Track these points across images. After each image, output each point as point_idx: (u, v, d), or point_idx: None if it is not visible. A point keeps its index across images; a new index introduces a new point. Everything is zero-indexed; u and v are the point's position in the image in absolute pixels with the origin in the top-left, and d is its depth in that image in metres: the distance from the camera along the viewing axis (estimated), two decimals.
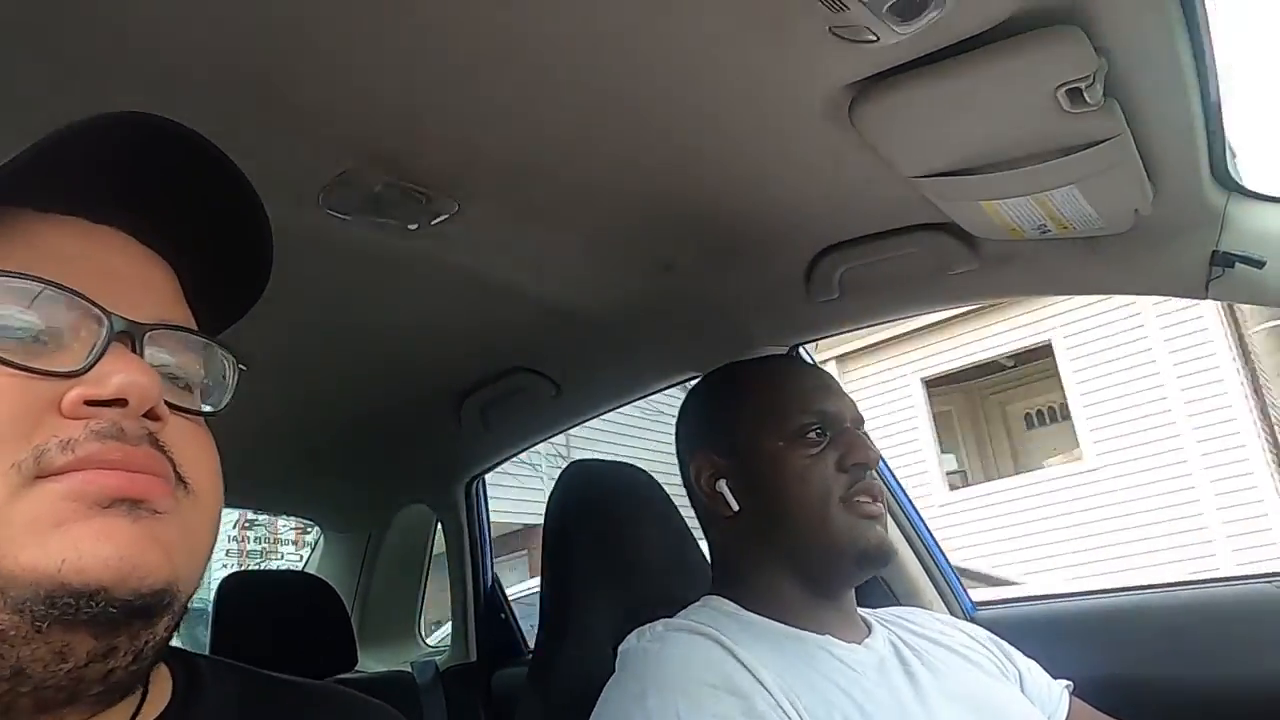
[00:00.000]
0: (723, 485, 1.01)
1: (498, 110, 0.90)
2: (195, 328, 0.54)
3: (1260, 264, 1.08)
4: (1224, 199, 1.09)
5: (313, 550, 2.70)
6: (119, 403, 0.44)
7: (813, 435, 0.99)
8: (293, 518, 5.88)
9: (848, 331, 1.54)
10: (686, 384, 1.69)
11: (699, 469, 1.04)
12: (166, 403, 0.47)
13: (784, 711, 0.81)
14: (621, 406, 1.84)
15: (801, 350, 1.58)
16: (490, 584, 2.28)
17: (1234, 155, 1.05)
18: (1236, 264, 1.09)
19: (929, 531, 1.57)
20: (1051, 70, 0.81)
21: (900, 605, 1.44)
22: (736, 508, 1.00)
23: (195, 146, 0.53)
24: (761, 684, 0.83)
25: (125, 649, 0.44)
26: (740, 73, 0.86)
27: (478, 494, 2.29)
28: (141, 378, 0.45)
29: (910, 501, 1.59)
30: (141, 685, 0.50)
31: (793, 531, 0.96)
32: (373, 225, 1.07)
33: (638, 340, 1.54)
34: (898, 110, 0.89)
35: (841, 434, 1.00)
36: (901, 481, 1.60)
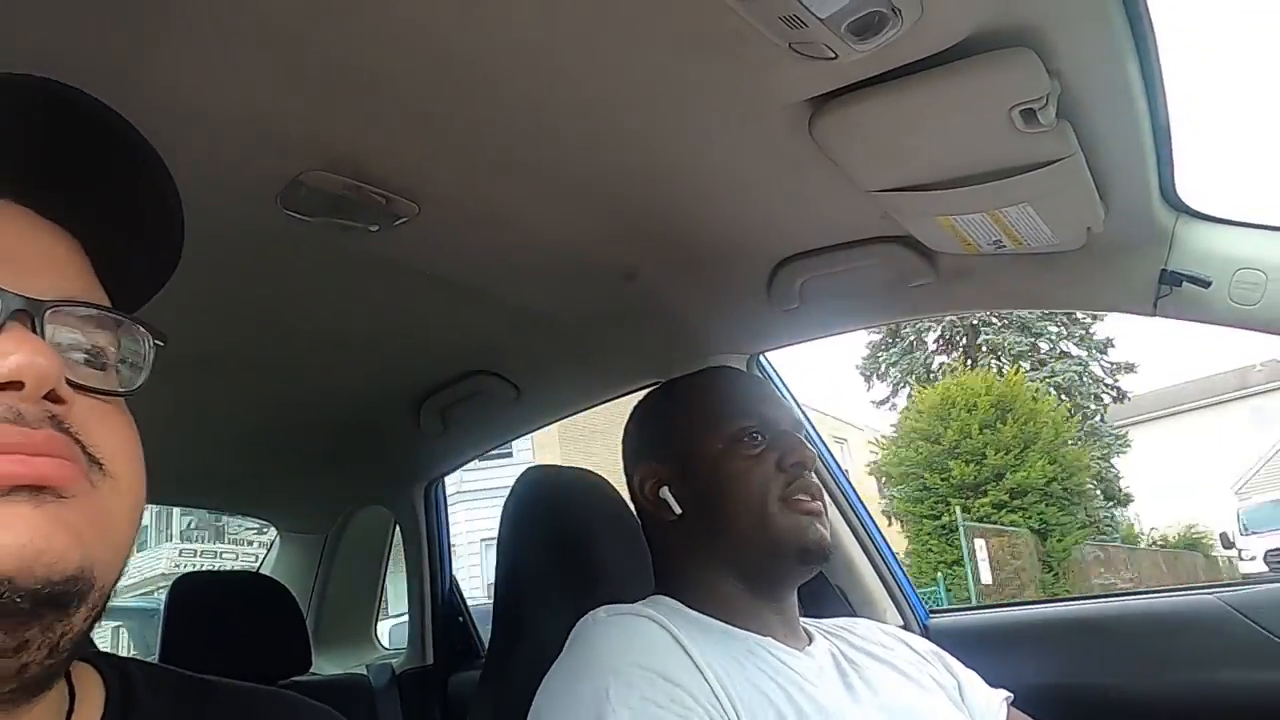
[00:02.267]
0: (665, 492, 1.02)
1: (458, 115, 0.90)
2: (106, 304, 0.50)
3: (1206, 283, 1.10)
4: (1173, 219, 1.11)
5: (268, 551, 2.66)
6: (15, 385, 0.41)
7: (750, 439, 1.01)
8: (248, 518, 5.81)
9: (808, 341, 1.55)
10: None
11: (642, 478, 1.05)
12: (76, 384, 0.45)
13: (718, 700, 0.82)
14: (583, 411, 1.84)
15: (762, 358, 1.59)
16: (448, 587, 2.26)
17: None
18: (1184, 283, 1.12)
19: (885, 542, 1.59)
20: (1006, 91, 0.83)
21: (856, 615, 1.45)
22: (679, 512, 1.01)
23: (98, 117, 0.50)
24: (699, 669, 0.84)
25: (38, 642, 0.41)
26: (702, 86, 0.86)
27: (437, 496, 2.28)
28: (39, 358, 0.42)
29: (867, 512, 1.61)
30: (64, 684, 0.48)
31: (734, 531, 0.98)
32: (333, 227, 1.06)
33: (600, 346, 1.54)
34: (857, 125, 0.90)
35: (779, 437, 1.02)
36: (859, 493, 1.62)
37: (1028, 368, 18.53)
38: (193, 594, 1.73)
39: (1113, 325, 19.92)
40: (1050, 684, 1.16)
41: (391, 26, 0.76)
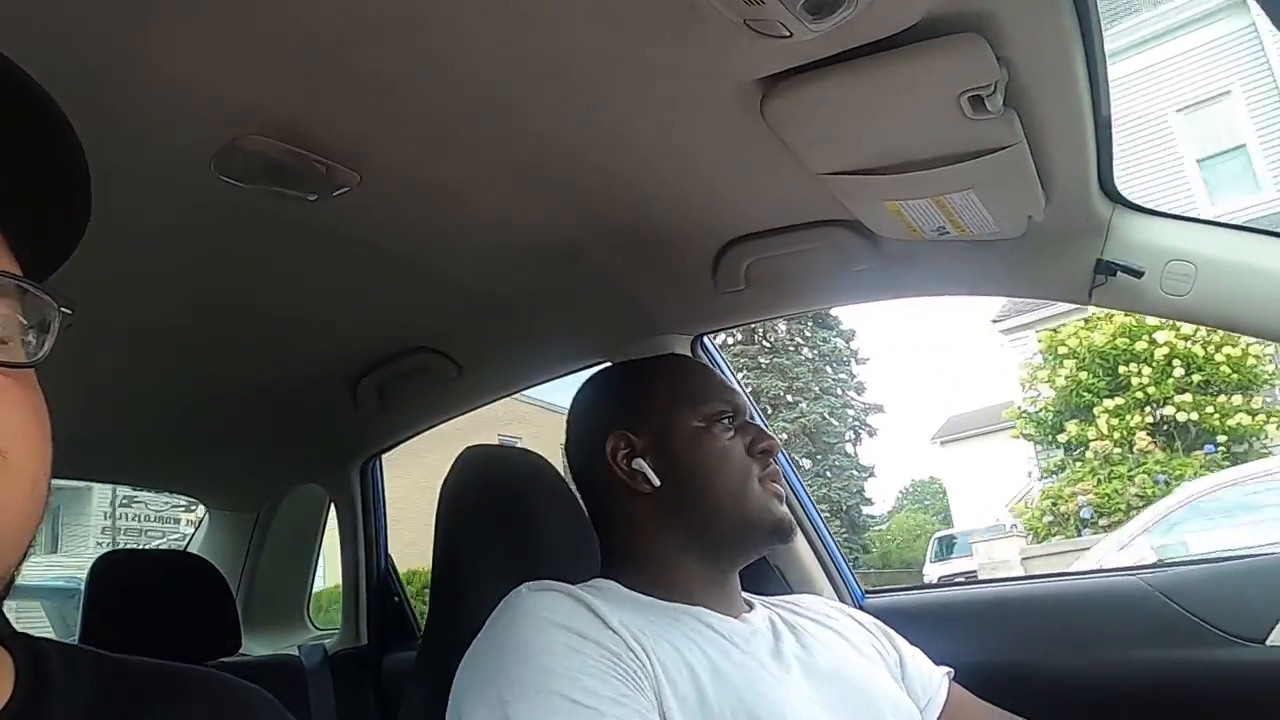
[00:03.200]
0: (641, 462, 1.03)
1: (403, 82, 0.87)
2: (10, 270, 0.47)
3: (1139, 274, 1.14)
4: (1109, 210, 1.14)
5: (196, 529, 2.59)
6: None
7: (725, 421, 1.05)
8: (176, 495, 5.65)
9: (752, 323, 1.56)
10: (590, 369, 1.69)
11: (615, 447, 1.05)
12: None
13: (629, 649, 0.84)
14: (526, 389, 1.82)
15: (705, 340, 1.59)
16: (384, 566, 2.23)
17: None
18: (1118, 272, 1.15)
19: (822, 521, 1.61)
20: (956, 77, 0.83)
21: (794, 593, 1.47)
22: (657, 483, 1.01)
23: None
24: (609, 627, 0.85)
25: None
26: (653, 61, 0.85)
27: (373, 475, 2.24)
28: None
29: (805, 491, 1.62)
30: None
31: (712, 506, 1.01)
32: (270, 194, 1.02)
33: (544, 324, 1.52)
34: (808, 107, 0.90)
35: (747, 424, 1.07)
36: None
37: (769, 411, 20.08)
38: (115, 573, 1.68)
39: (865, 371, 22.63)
40: (982, 661, 1.19)
41: None
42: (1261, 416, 9.71)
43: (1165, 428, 9.98)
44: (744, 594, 1.06)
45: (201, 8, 0.74)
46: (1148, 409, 10.02)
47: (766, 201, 1.19)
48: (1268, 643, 1.16)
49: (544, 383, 1.76)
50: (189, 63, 0.81)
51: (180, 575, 1.78)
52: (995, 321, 14.13)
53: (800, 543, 1.57)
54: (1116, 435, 10.02)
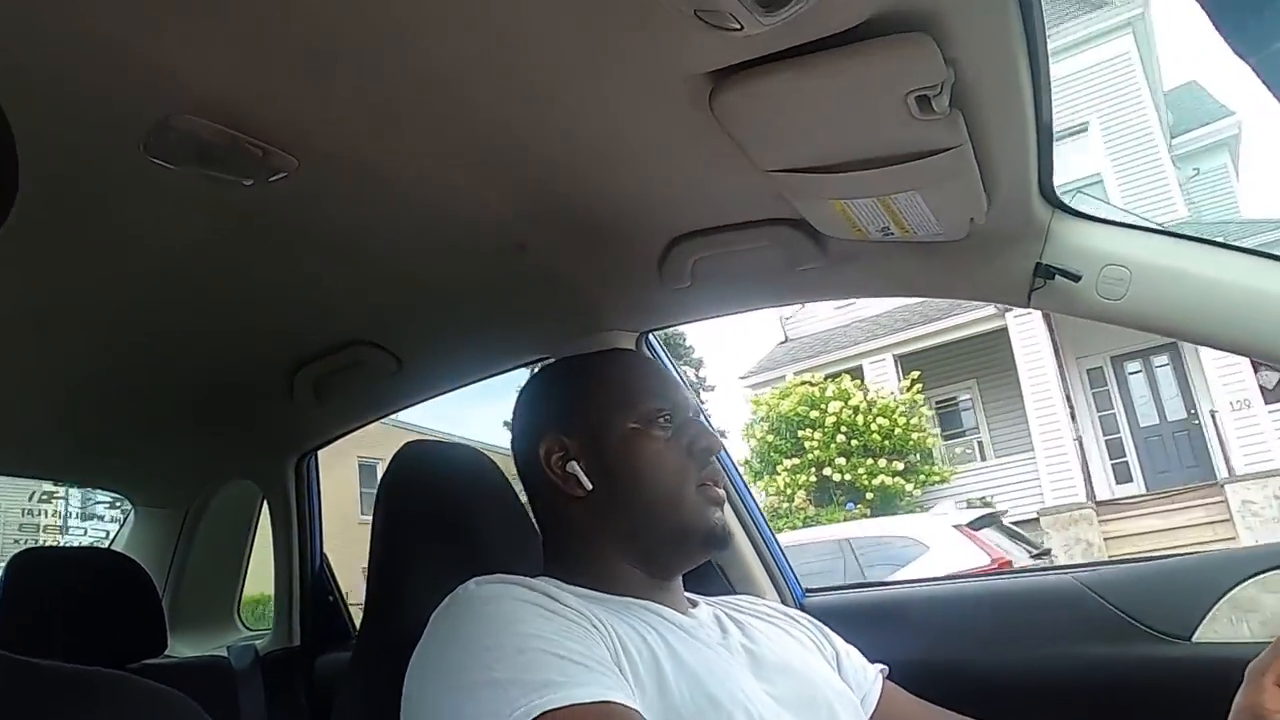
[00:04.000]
0: (574, 466, 1.00)
1: (347, 66, 0.84)
2: None
3: (1076, 278, 1.16)
4: (1049, 215, 1.16)
5: (121, 526, 2.50)
6: None
7: (663, 420, 1.01)
8: (100, 491, 5.46)
9: (699, 320, 1.56)
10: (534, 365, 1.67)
11: (549, 450, 1.03)
12: None
13: (595, 627, 0.83)
14: (467, 385, 1.79)
15: (651, 336, 1.58)
16: (319, 565, 2.18)
17: None
18: (1056, 276, 1.17)
19: (764, 519, 1.62)
20: (904, 76, 0.84)
21: (736, 592, 1.47)
22: (590, 487, 0.99)
23: None
24: (569, 607, 0.84)
25: None
26: (602, 52, 0.84)
27: (309, 471, 2.19)
28: None
29: (747, 489, 1.63)
30: None
31: (645, 512, 0.98)
32: (203, 178, 0.99)
33: (487, 318, 1.50)
34: (757, 102, 0.89)
35: (687, 422, 1.03)
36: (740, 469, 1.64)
37: None
38: (34, 571, 1.60)
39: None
40: (920, 659, 1.21)
41: None
42: (899, 479, 11.85)
43: (826, 486, 12.11)
44: (687, 593, 1.05)
45: None
46: (813, 469, 12.14)
47: (714, 198, 1.18)
48: (1194, 639, 1.19)
49: (487, 378, 1.73)
50: (120, 37, 0.77)
51: (102, 574, 1.71)
52: (742, 378, 15.23)
53: (742, 541, 1.57)
54: (789, 491, 12.09)
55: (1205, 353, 10.88)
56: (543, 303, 1.44)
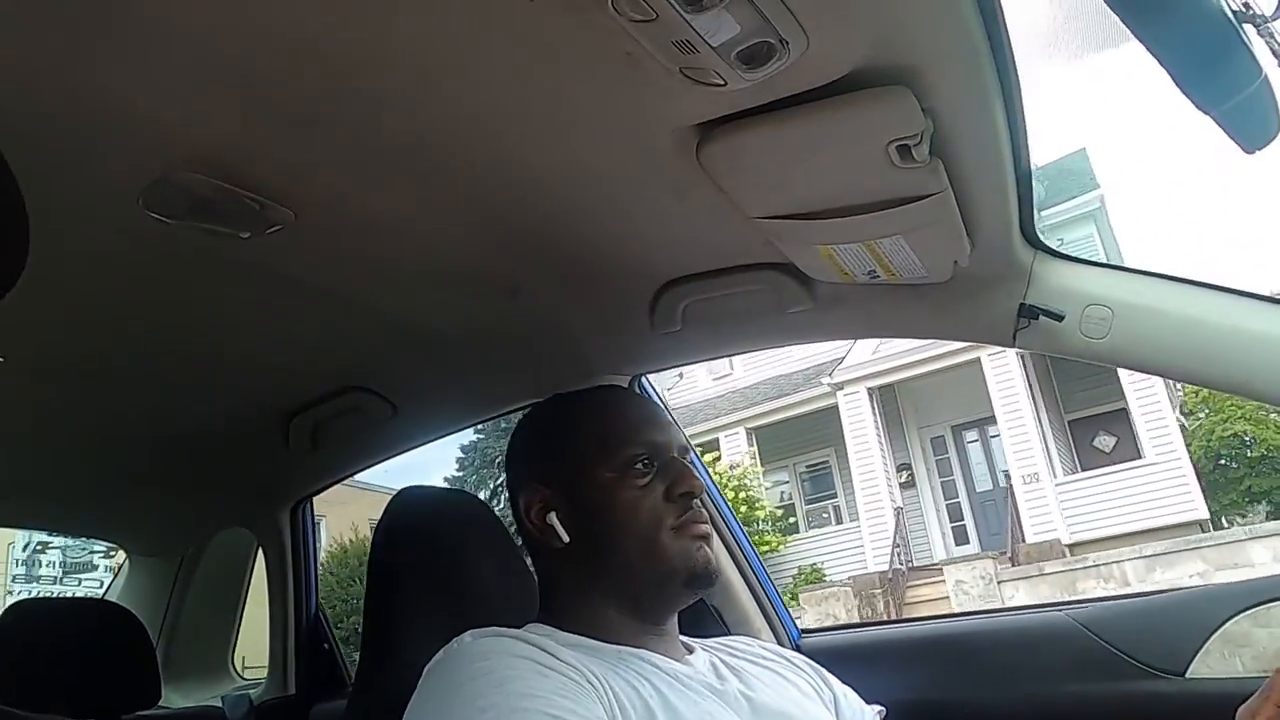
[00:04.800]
0: (553, 518, 1.00)
1: (342, 120, 0.87)
2: None
3: (1060, 317, 1.18)
4: (1031, 257, 1.18)
5: (115, 576, 2.49)
6: None
7: (640, 466, 1.00)
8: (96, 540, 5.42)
9: (689, 364, 1.57)
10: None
11: (529, 502, 1.03)
12: None
13: (589, 682, 0.82)
14: (462, 429, 1.80)
15: (643, 379, 1.60)
16: (314, 612, 2.17)
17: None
18: (1040, 316, 1.19)
19: (759, 561, 1.62)
20: (884, 127, 0.86)
21: (731, 634, 1.47)
22: (567, 539, 0.99)
23: None
24: (564, 662, 0.84)
25: None
26: (592, 106, 0.86)
27: (304, 517, 2.18)
28: None
29: (742, 531, 1.63)
30: None
31: (623, 560, 0.97)
32: (200, 231, 1.01)
33: (480, 364, 1.51)
34: (743, 153, 0.92)
35: (668, 464, 1.01)
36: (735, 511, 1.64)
37: None
38: (27, 622, 1.59)
39: None
40: (916, 699, 1.21)
41: (274, 24, 0.73)
42: None
43: None
44: (682, 638, 1.05)
45: (133, 38, 0.73)
46: None
47: (703, 244, 1.21)
48: (1187, 675, 1.20)
49: (480, 422, 1.74)
50: (119, 93, 0.79)
51: (96, 624, 1.70)
52: None
53: (737, 583, 1.57)
54: None
55: (1005, 428, 12.15)
56: (536, 348, 1.45)
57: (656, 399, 1.60)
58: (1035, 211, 1.15)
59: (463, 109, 0.86)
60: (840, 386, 13.62)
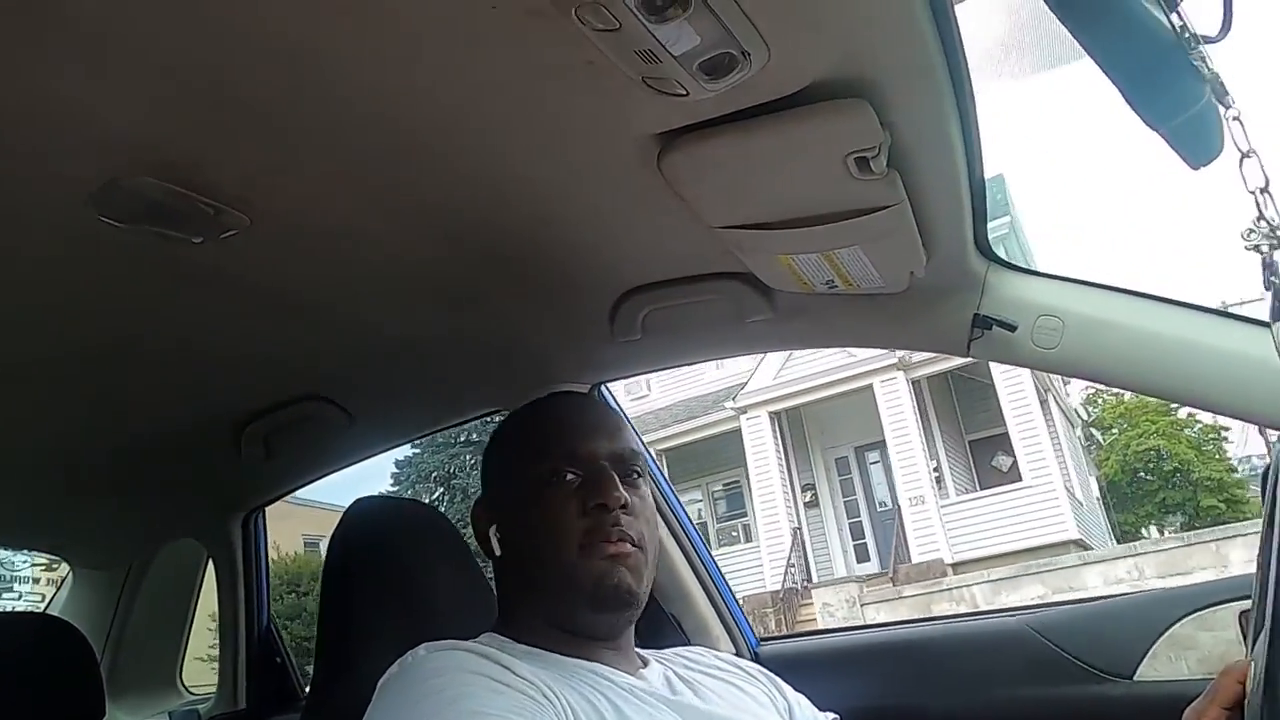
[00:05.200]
0: (493, 531, 0.99)
1: (300, 123, 0.86)
2: None
3: (1012, 327, 1.20)
4: (984, 268, 1.21)
5: (58, 589, 2.42)
6: None
7: (562, 478, 0.96)
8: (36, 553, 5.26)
9: (649, 372, 1.58)
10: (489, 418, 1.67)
11: (476, 514, 1.03)
12: None
13: (546, 697, 0.81)
14: (419, 438, 1.79)
15: (603, 388, 1.60)
16: (265, 625, 2.13)
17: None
18: (994, 326, 1.21)
19: (718, 570, 1.62)
20: (843, 139, 0.88)
21: (690, 643, 1.47)
22: (499, 553, 0.99)
23: None
24: (520, 677, 0.82)
25: None
26: (554, 114, 0.86)
27: (256, 528, 2.14)
28: None
29: (701, 540, 1.63)
30: None
31: (542, 579, 0.95)
32: (153, 236, 0.99)
33: (439, 372, 1.50)
34: (704, 163, 0.92)
35: (592, 475, 0.96)
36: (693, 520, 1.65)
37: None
38: None
39: None
40: (874, 705, 1.22)
41: (230, 26, 0.71)
42: None
43: None
44: (638, 650, 1.05)
45: (85, 39, 0.72)
46: None
47: (664, 253, 1.21)
48: (1135, 678, 1.22)
49: (439, 431, 1.73)
50: (70, 95, 0.78)
51: (34, 639, 1.64)
52: None
53: (696, 591, 1.57)
54: None
55: (893, 451, 12.68)
56: (495, 356, 1.45)
57: (615, 408, 1.60)
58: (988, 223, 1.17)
59: (423, 115, 0.86)
60: (744, 410, 14.05)
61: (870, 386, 13.01)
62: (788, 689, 1.10)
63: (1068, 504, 12.37)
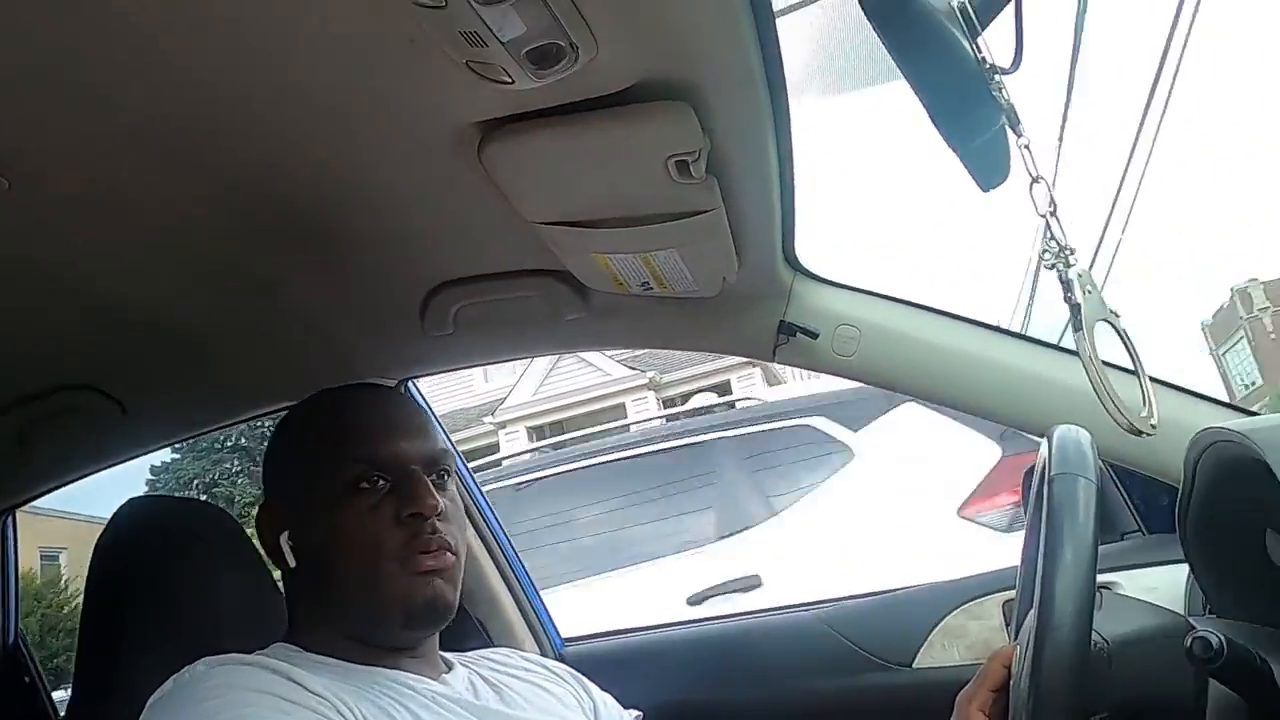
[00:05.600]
0: (284, 539, 0.92)
1: (71, 83, 0.76)
2: None
3: (814, 335, 1.26)
4: (791, 277, 1.26)
5: None
6: None
7: (369, 484, 0.90)
8: None
9: (460, 368, 1.54)
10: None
11: (261, 519, 0.95)
12: None
13: (340, 713, 0.77)
14: (205, 433, 1.65)
15: (410, 384, 1.54)
16: (13, 641, 1.90)
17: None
18: (798, 334, 1.27)
19: (524, 569, 1.60)
20: (665, 141, 0.88)
21: (494, 644, 1.44)
22: (293, 564, 0.92)
23: None
24: (312, 693, 0.78)
25: None
26: (369, 93, 0.82)
27: (7, 531, 1.91)
28: None
29: (508, 540, 1.61)
30: None
31: (344, 593, 0.90)
32: None
33: (228, 361, 1.39)
34: (525, 155, 0.90)
35: (403, 480, 0.91)
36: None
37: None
38: None
39: None
40: (680, 700, 1.25)
41: None
42: None
43: None
44: (442, 653, 1.01)
45: None
46: None
47: (479, 246, 1.18)
48: (914, 665, 1.32)
49: (229, 426, 1.60)
50: None
51: None
52: None
53: (502, 594, 1.55)
54: None
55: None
56: (294, 348, 1.36)
57: (422, 404, 1.54)
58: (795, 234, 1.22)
59: (220, 75, 0.78)
60: (503, 425, 14.15)
61: (623, 405, 13.38)
62: (594, 688, 1.11)
63: None
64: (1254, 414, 1.11)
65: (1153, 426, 0.89)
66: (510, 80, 0.76)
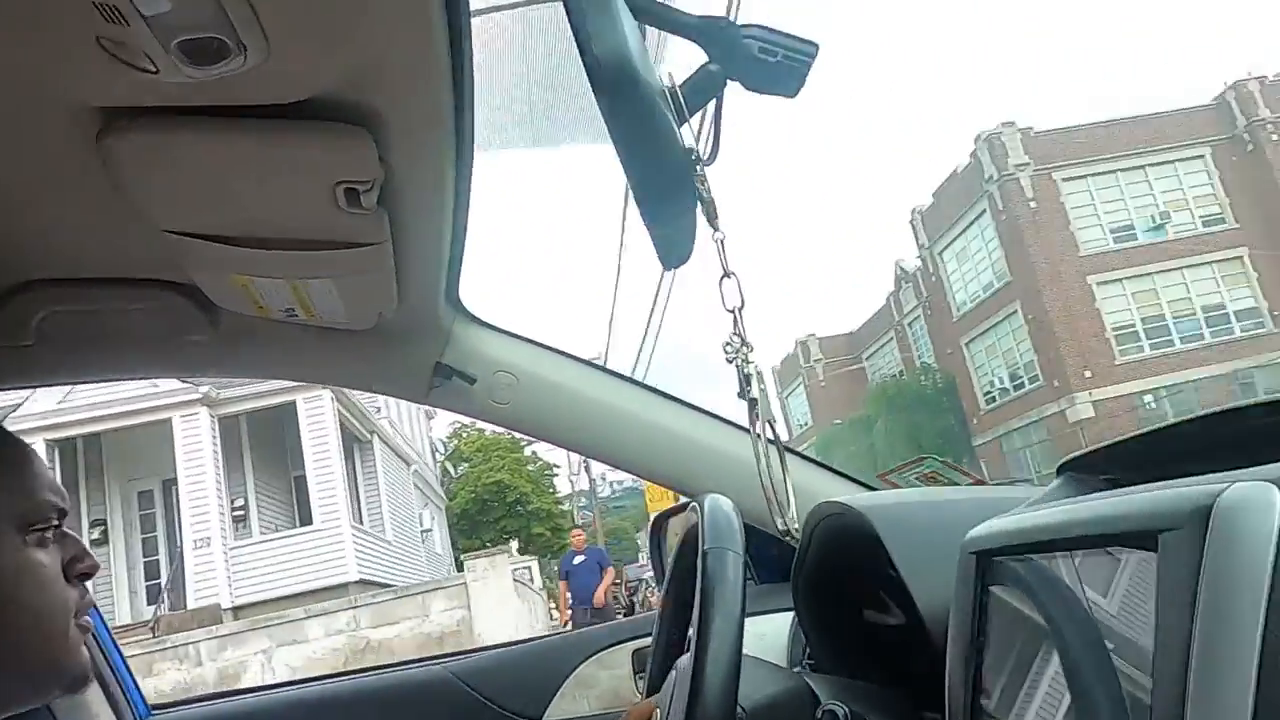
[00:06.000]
0: None
1: None
2: None
3: (471, 380, 1.22)
4: (452, 318, 1.21)
5: None
6: None
7: (48, 533, 0.78)
8: None
9: (32, 387, 1.27)
10: None
11: None
12: None
13: None
14: None
15: None
16: None
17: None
18: (454, 377, 1.22)
19: (107, 630, 1.36)
20: (336, 166, 0.80)
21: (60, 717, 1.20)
22: None
23: None
24: None
25: None
26: None
27: None
28: None
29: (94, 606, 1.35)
30: None
31: (22, 651, 0.74)
32: None
33: None
34: (162, 155, 0.77)
35: (65, 534, 0.80)
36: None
37: None
38: None
39: None
40: None
41: None
42: None
43: None
44: None
45: None
46: None
47: (83, 247, 0.98)
48: (545, 717, 1.30)
49: None
50: None
51: None
52: None
53: None
54: None
55: (185, 491, 12.08)
56: None
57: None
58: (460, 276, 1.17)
59: None
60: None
61: (170, 421, 11.98)
62: None
63: (352, 547, 12.45)
64: (870, 488, 1.25)
65: (797, 530, 0.97)
66: (154, 69, 0.64)
